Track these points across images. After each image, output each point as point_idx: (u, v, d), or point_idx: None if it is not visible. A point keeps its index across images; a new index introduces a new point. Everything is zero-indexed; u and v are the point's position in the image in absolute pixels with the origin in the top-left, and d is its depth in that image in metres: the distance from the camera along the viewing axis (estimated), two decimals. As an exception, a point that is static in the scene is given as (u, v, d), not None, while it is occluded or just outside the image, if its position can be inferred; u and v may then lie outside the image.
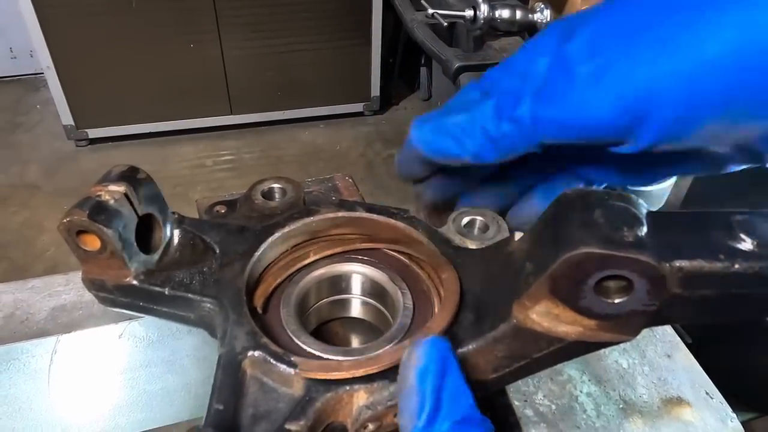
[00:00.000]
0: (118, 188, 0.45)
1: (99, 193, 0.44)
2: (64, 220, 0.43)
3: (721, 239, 0.33)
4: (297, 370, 0.40)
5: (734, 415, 0.49)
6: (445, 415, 0.32)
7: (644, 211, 0.34)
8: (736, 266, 0.32)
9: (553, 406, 0.49)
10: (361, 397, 0.40)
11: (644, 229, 0.32)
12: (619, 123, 0.35)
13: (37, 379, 0.63)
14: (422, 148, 0.45)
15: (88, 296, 0.50)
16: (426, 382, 0.33)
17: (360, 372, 0.40)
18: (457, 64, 1.46)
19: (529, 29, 1.46)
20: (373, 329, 0.55)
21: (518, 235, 0.42)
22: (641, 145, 0.36)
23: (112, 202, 0.44)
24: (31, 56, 3.56)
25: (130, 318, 0.63)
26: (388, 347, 0.43)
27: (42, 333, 0.63)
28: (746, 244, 0.32)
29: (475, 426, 0.32)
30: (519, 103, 0.38)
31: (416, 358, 0.34)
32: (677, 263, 0.32)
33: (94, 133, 3.23)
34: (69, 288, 0.68)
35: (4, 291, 0.67)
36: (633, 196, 0.34)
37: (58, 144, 3.27)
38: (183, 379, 0.68)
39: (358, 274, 0.53)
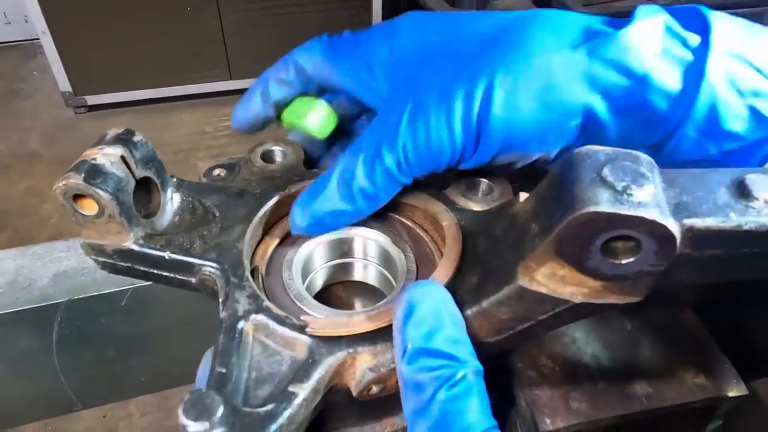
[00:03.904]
0: (114, 151, 0.44)
1: (95, 156, 0.43)
2: (60, 184, 0.42)
3: (732, 197, 0.32)
4: (308, 329, 0.40)
5: (739, 377, 0.49)
6: (419, 352, 0.35)
7: (653, 170, 0.33)
8: (748, 224, 0.31)
9: (557, 368, 0.49)
10: (364, 360, 0.40)
11: (653, 188, 0.31)
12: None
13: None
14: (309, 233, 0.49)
15: (90, 262, 0.49)
16: (407, 325, 0.37)
17: (371, 326, 0.40)
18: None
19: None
20: (376, 293, 0.55)
21: (523, 196, 0.41)
22: (467, 166, 0.48)
23: (108, 164, 0.43)
24: (26, 21, 3.50)
25: (133, 283, 0.63)
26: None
27: (45, 299, 0.63)
28: (758, 202, 0.31)
29: (455, 364, 0.35)
30: (391, 152, 0.45)
31: (402, 300, 0.38)
32: (687, 222, 0.31)
33: (92, 99, 3.20)
34: (70, 254, 0.67)
35: (5, 258, 0.67)
36: (642, 154, 0.33)
37: (57, 111, 3.24)
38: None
39: (361, 237, 0.53)
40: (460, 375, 0.34)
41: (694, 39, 0.43)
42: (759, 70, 0.42)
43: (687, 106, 0.42)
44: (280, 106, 0.55)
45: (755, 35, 0.43)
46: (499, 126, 0.44)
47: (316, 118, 0.53)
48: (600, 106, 0.43)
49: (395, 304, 0.39)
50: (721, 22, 0.43)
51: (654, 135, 0.44)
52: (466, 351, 0.36)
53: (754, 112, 0.42)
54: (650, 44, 0.42)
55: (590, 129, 0.45)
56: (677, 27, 0.43)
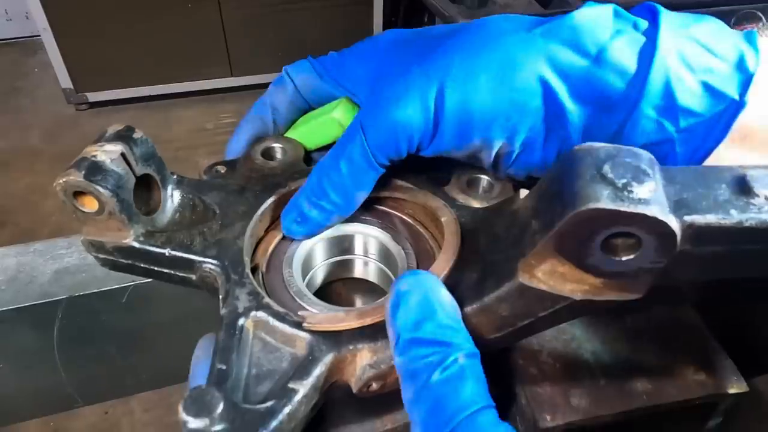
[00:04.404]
0: (114, 148, 0.44)
1: (95, 153, 0.43)
2: (60, 181, 0.42)
3: (733, 194, 0.32)
4: (305, 324, 0.40)
5: (739, 373, 0.49)
6: (410, 342, 0.36)
7: (654, 167, 0.33)
8: (749, 221, 0.31)
9: (558, 365, 0.49)
10: (364, 356, 0.40)
11: (653, 185, 0.31)
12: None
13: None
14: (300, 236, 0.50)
15: (91, 259, 0.49)
16: (396, 316, 0.37)
17: (368, 321, 0.40)
18: (461, 22, 1.43)
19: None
20: (376, 290, 0.55)
21: (523, 193, 0.41)
22: (430, 151, 0.48)
23: (108, 161, 0.43)
24: (27, 18, 3.49)
25: (133, 280, 0.63)
26: None
27: (46, 296, 0.63)
28: (759, 199, 0.31)
29: (446, 350, 0.35)
30: (351, 141, 0.46)
31: (390, 292, 0.38)
32: (688, 219, 0.31)
33: (93, 96, 3.20)
34: (71, 251, 0.67)
35: (6, 254, 0.67)
36: (643, 151, 0.33)
37: (58, 108, 3.24)
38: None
39: (361, 234, 0.53)
40: (450, 359, 0.34)
41: (644, 23, 0.45)
42: (707, 48, 0.43)
43: (642, 84, 0.43)
44: (281, 130, 0.58)
45: (699, 20, 0.45)
46: (457, 105, 0.45)
47: (342, 112, 0.55)
48: (559, 87, 0.44)
49: (386, 297, 0.39)
50: (667, 11, 0.45)
51: (613, 119, 0.45)
52: (458, 336, 0.36)
53: (707, 87, 0.43)
54: (602, 24, 0.44)
55: (552, 115, 0.45)
56: (626, 13, 0.45)
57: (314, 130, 0.56)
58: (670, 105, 0.43)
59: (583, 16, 0.44)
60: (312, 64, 0.57)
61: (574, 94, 0.44)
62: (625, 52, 0.43)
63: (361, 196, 0.48)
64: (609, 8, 0.45)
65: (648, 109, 0.44)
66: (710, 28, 0.44)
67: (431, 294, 0.37)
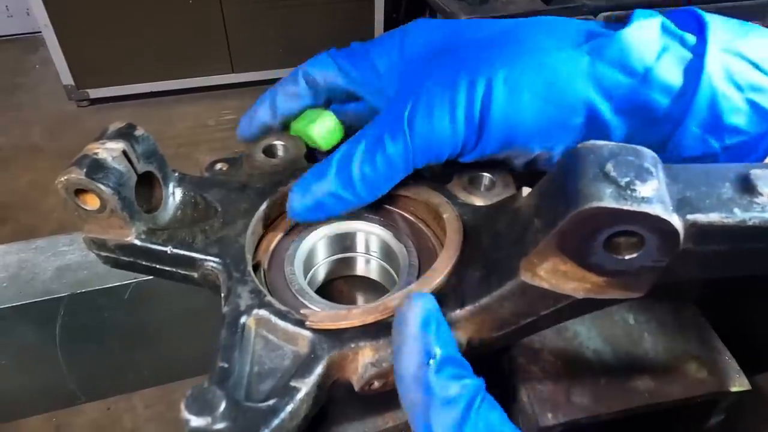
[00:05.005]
0: (116, 145, 0.44)
1: (96, 150, 0.43)
2: (62, 179, 0.42)
3: (736, 192, 0.32)
4: (307, 322, 0.40)
5: (741, 371, 0.49)
6: (446, 360, 0.34)
7: (657, 165, 0.32)
8: (752, 220, 0.31)
9: (559, 363, 0.49)
10: (366, 355, 0.40)
11: (656, 183, 0.31)
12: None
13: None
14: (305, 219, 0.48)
15: (93, 256, 0.49)
16: (429, 330, 0.35)
17: (370, 319, 0.40)
18: (462, 18, 1.42)
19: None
20: (378, 287, 0.55)
21: (526, 191, 0.41)
22: (467, 159, 0.48)
23: (109, 159, 0.43)
24: (28, 15, 3.49)
25: (135, 277, 0.63)
26: (397, 294, 0.43)
27: (48, 293, 0.63)
28: (763, 198, 0.31)
29: (469, 371, 0.34)
30: (393, 140, 0.45)
31: (418, 306, 0.36)
32: (690, 217, 0.31)
33: (95, 93, 3.20)
34: (74, 248, 0.67)
35: (8, 251, 0.67)
36: (646, 149, 0.33)
37: (60, 104, 3.24)
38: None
39: (363, 231, 0.52)
40: (479, 385, 0.33)
41: (691, 38, 0.44)
42: (756, 65, 0.42)
43: (688, 102, 0.43)
44: (288, 119, 0.57)
45: (748, 33, 0.44)
46: (501, 119, 0.45)
47: (323, 129, 0.55)
48: (603, 105, 0.44)
49: (403, 309, 0.37)
50: (715, 22, 0.44)
51: (657, 133, 0.45)
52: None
53: (753, 105, 0.42)
54: (650, 43, 0.43)
55: (594, 129, 0.45)
56: (674, 27, 0.44)
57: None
58: (715, 123, 0.43)
59: (632, 35, 0.43)
60: (333, 55, 0.54)
61: (618, 109, 0.44)
62: (672, 71, 0.43)
63: (382, 194, 0.47)
64: (657, 22, 0.44)
65: (693, 126, 0.43)
66: (759, 43, 0.43)
67: (443, 322, 0.37)
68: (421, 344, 0.35)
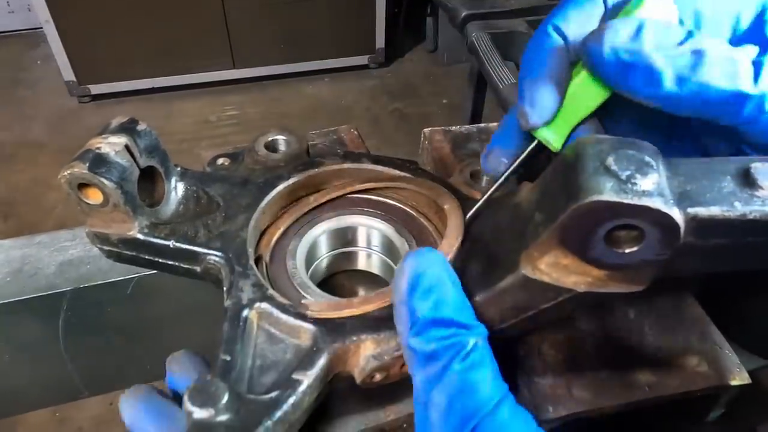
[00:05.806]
0: (119, 140, 0.44)
1: (99, 145, 0.43)
2: (65, 173, 0.42)
3: (737, 186, 0.32)
4: (307, 312, 0.40)
5: (741, 364, 0.49)
6: (430, 322, 0.35)
7: (658, 159, 0.32)
8: (753, 213, 0.31)
9: (560, 356, 0.49)
10: (368, 348, 0.40)
11: (657, 177, 0.31)
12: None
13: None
14: (607, 71, 0.39)
15: (96, 251, 0.50)
16: (414, 295, 0.36)
17: (370, 308, 0.40)
18: (464, 13, 1.42)
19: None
20: (379, 281, 0.55)
21: (527, 185, 0.41)
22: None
23: (112, 154, 0.43)
24: (29, 10, 3.49)
25: (138, 272, 0.64)
26: None
27: (51, 287, 0.63)
28: (763, 191, 0.31)
29: (463, 328, 0.35)
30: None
31: (404, 270, 0.37)
32: (691, 211, 0.31)
33: (96, 89, 3.20)
34: (76, 243, 0.67)
35: (11, 246, 0.67)
36: (646, 142, 0.33)
37: (61, 100, 3.25)
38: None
39: (364, 226, 0.53)
40: (471, 344, 0.34)
41: None
42: None
43: None
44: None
45: None
46: None
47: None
48: None
49: (396, 275, 0.38)
50: None
51: None
52: (471, 315, 0.36)
53: None
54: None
55: None
56: None
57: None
58: None
59: None
60: None
61: None
62: None
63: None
64: None
65: None
66: None
67: (444, 272, 0.37)
68: (406, 308, 0.36)
